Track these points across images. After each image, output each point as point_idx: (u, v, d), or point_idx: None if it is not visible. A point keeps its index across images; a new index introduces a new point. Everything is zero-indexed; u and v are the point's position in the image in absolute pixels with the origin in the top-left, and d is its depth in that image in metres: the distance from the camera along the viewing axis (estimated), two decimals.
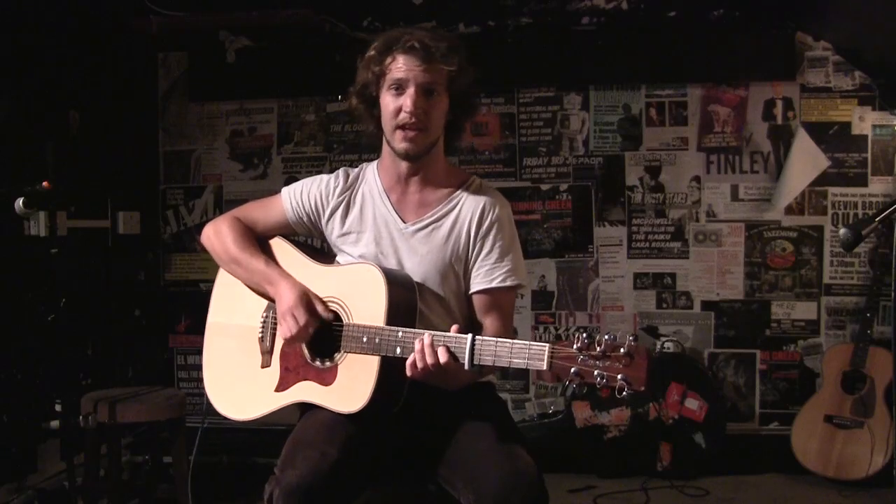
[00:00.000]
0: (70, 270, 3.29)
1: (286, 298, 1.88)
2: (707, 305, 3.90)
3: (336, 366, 1.86)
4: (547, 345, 1.60)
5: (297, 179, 2.13)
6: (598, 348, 1.55)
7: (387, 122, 1.91)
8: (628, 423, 3.65)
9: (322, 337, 1.90)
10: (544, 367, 1.59)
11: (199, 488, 2.92)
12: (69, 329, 3.23)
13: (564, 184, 3.95)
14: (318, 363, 1.89)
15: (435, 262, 1.94)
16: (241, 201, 2.26)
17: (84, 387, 3.48)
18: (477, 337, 1.68)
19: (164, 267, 4.19)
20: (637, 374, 1.53)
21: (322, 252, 2.09)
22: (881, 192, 3.76)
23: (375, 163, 2.06)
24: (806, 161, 3.75)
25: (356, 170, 2.07)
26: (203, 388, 2.06)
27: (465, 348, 1.68)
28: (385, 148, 1.99)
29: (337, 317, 1.89)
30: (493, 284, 1.94)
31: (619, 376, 1.53)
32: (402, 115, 1.87)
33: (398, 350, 1.76)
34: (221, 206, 4.12)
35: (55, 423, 2.89)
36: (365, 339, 1.80)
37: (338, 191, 2.03)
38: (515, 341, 1.65)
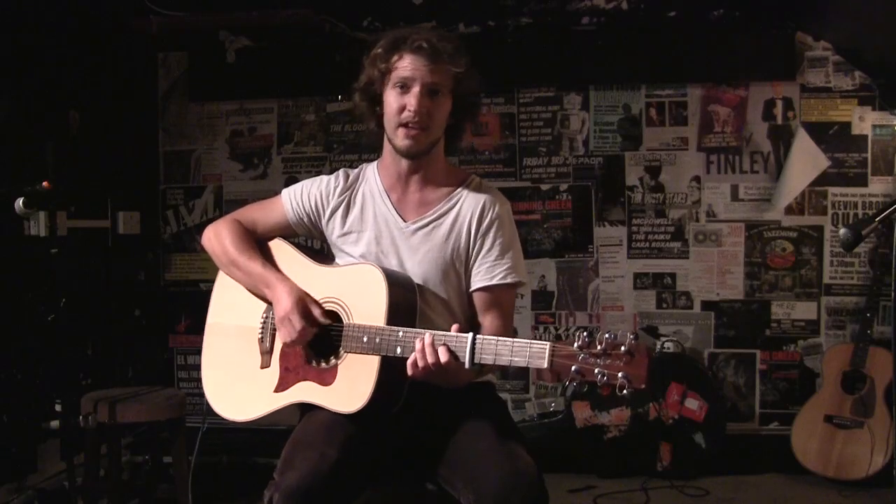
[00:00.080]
0: (70, 270, 3.29)
1: (283, 303, 1.88)
2: (707, 305, 3.90)
3: (336, 366, 1.86)
4: (548, 343, 1.60)
5: (297, 179, 2.14)
6: (598, 346, 1.56)
7: (390, 119, 1.91)
8: (628, 423, 3.65)
9: (322, 337, 1.90)
10: (545, 366, 1.60)
11: (200, 488, 2.92)
12: (69, 329, 3.23)
13: (564, 184, 3.95)
14: (317, 363, 1.89)
15: (436, 260, 1.95)
16: (241, 201, 2.27)
17: (84, 387, 3.48)
18: (478, 336, 1.69)
19: (164, 267, 4.19)
20: (638, 372, 1.53)
21: (322, 253, 2.10)
22: (881, 192, 3.76)
23: (375, 163, 2.07)
24: (806, 161, 3.75)
25: (356, 170, 2.08)
26: (202, 388, 2.06)
27: (465, 347, 1.68)
28: (386, 147, 1.99)
29: (337, 317, 1.89)
30: (494, 282, 1.94)
31: (619, 374, 1.53)
32: (406, 114, 1.87)
33: (398, 350, 1.76)
34: (221, 206, 4.11)
35: (55, 423, 2.89)
36: (365, 339, 1.80)
37: (338, 191, 2.03)
38: (516, 340, 1.65)
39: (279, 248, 2.06)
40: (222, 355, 2.06)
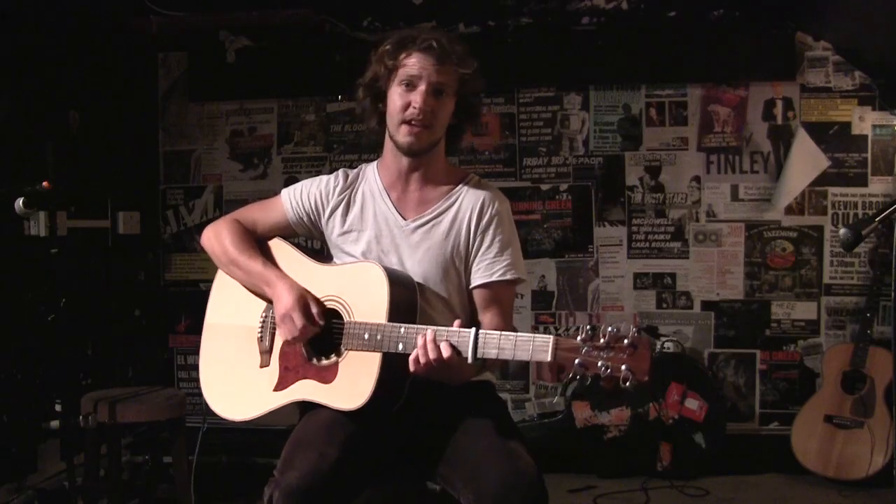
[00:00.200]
0: (70, 270, 3.29)
1: (284, 301, 1.88)
2: (707, 305, 3.90)
3: (337, 363, 1.86)
4: (551, 336, 1.61)
5: (297, 179, 2.14)
6: (601, 339, 1.56)
7: (393, 115, 1.92)
8: (628, 423, 3.64)
9: (322, 335, 1.90)
10: (549, 359, 1.60)
11: (200, 488, 2.92)
12: (69, 329, 3.23)
13: (564, 184, 3.95)
14: (318, 361, 1.89)
15: (436, 257, 1.95)
16: (241, 201, 2.27)
17: (84, 387, 3.48)
18: (480, 331, 1.69)
19: (164, 267, 4.19)
20: (640, 365, 1.54)
21: (321, 253, 2.10)
22: (881, 192, 3.76)
23: (375, 162, 2.07)
24: (806, 161, 3.75)
25: (356, 170, 2.09)
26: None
27: (468, 342, 1.68)
28: (387, 144, 1.99)
29: (337, 315, 1.89)
30: (494, 278, 1.95)
31: (623, 367, 1.54)
32: (410, 111, 1.88)
33: (400, 346, 1.76)
34: (221, 206, 4.11)
35: (55, 423, 2.88)
36: (366, 336, 1.80)
37: (338, 190, 2.03)
38: (519, 334, 1.65)
39: (279, 247, 2.06)
40: (221, 355, 2.06)
